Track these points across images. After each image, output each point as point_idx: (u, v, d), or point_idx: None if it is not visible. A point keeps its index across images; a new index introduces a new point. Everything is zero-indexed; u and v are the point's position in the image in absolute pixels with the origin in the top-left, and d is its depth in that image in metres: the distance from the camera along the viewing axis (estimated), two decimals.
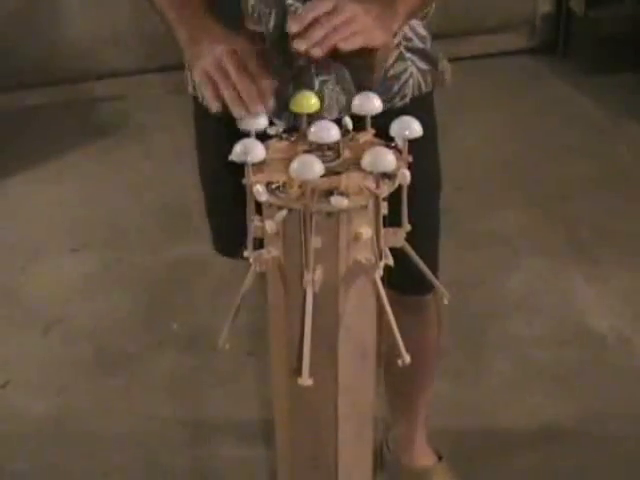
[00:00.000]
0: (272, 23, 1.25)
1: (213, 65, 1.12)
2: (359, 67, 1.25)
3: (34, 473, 1.96)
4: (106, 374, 2.22)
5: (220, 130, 1.20)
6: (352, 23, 1.10)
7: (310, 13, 1.10)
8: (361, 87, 1.21)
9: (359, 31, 1.10)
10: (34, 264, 2.64)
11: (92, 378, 2.21)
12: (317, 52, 1.09)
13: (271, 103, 1.11)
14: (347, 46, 1.09)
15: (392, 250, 1.11)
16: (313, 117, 1.13)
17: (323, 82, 1.27)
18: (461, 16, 3.56)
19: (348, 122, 1.14)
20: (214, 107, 1.11)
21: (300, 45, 1.09)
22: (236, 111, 1.10)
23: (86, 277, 2.57)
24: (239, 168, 1.05)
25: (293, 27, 1.10)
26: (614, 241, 2.62)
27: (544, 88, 3.56)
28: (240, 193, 1.07)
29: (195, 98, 1.43)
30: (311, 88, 1.24)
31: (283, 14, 1.24)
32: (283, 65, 1.23)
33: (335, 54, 1.10)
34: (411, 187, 1.07)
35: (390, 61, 1.33)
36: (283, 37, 1.18)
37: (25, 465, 1.98)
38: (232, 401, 2.12)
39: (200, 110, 1.45)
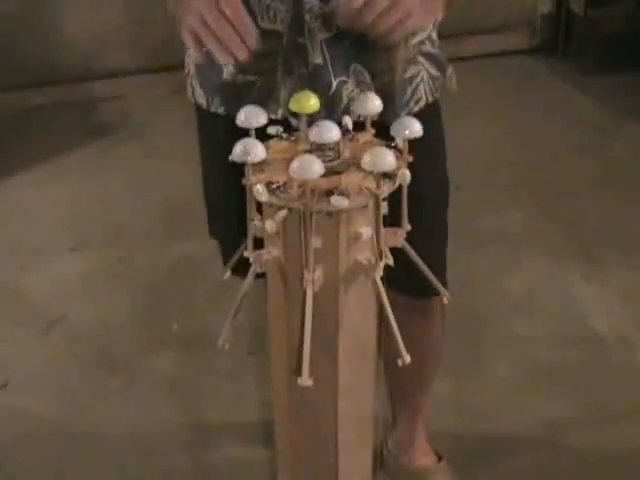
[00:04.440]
0: (289, 21, 1.24)
1: (195, 20, 1.13)
2: (379, 70, 1.25)
3: (34, 473, 1.97)
4: (106, 374, 2.22)
5: (226, 137, 1.19)
6: (397, 7, 1.10)
7: None
8: (380, 89, 1.21)
9: (404, 18, 1.11)
10: (34, 264, 2.64)
11: (92, 378, 2.21)
12: (382, 26, 1.09)
13: (254, 43, 1.12)
14: (394, 37, 1.11)
15: (397, 254, 1.10)
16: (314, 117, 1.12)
17: (342, 83, 1.27)
18: (461, 16, 3.55)
19: (348, 122, 1.14)
20: (198, 58, 1.15)
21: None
22: (222, 59, 1.12)
23: (86, 277, 2.57)
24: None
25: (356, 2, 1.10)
26: (614, 241, 2.62)
27: (544, 88, 3.56)
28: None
29: (198, 108, 1.43)
30: (328, 88, 1.25)
31: (299, 12, 1.24)
32: (299, 64, 1.23)
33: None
34: (421, 196, 1.07)
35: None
36: (300, 35, 1.18)
37: (25, 465, 1.98)
38: (232, 401, 2.12)
39: (202, 120, 1.44)
